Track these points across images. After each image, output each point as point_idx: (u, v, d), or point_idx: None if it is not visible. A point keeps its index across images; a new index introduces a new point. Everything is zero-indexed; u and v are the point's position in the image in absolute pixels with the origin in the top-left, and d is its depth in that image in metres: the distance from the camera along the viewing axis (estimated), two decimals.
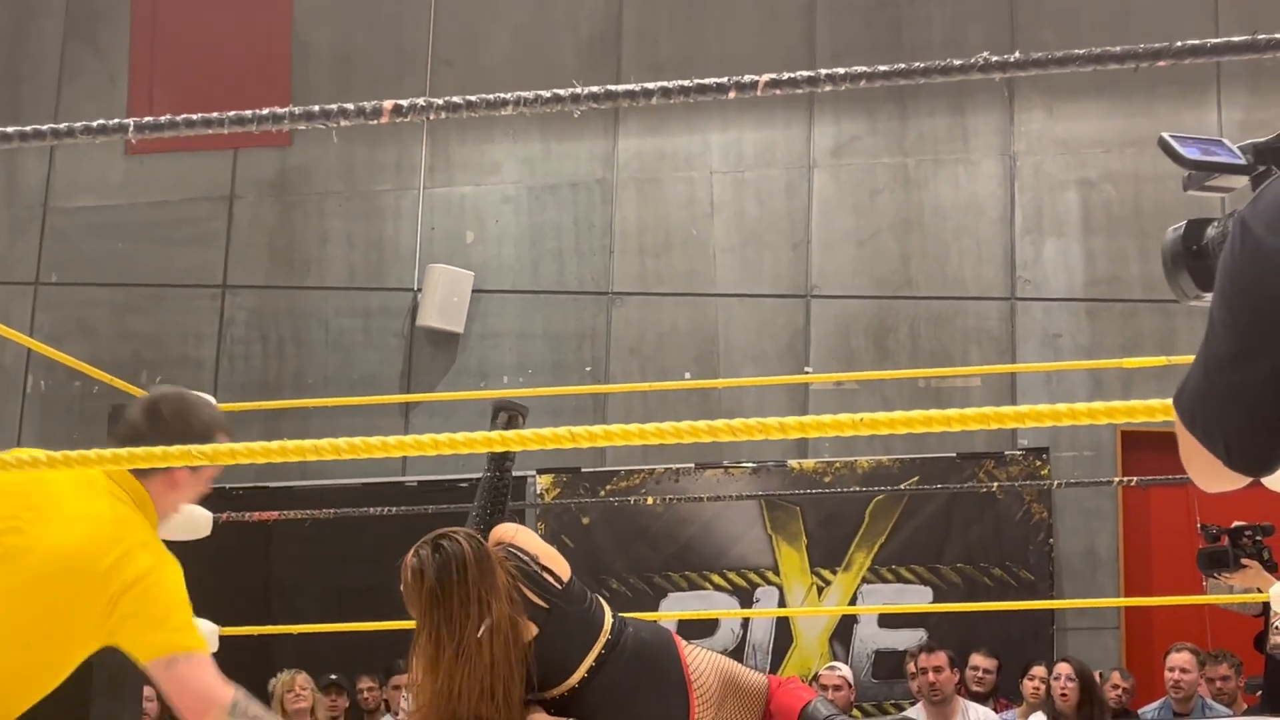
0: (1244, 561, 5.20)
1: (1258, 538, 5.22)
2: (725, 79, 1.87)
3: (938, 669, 6.34)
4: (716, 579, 7.64)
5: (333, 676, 7.04)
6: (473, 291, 8.10)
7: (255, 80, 8.53)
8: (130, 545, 2.51)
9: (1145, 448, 7.37)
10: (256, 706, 2.54)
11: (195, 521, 4.17)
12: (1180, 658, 6.20)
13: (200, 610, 3.88)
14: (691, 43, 8.32)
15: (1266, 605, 5.31)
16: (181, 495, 2.75)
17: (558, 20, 8.48)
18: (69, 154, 8.53)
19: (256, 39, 8.63)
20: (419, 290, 8.13)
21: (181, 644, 2.48)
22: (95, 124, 1.87)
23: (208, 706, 2.47)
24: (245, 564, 7.67)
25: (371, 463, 7.73)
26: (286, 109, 1.81)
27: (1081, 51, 1.74)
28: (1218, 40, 1.75)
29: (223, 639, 4.01)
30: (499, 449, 1.83)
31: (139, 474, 2.63)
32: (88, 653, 2.55)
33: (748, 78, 1.85)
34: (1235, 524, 5.35)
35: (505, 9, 8.54)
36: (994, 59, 1.77)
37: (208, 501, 4.59)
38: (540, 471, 7.81)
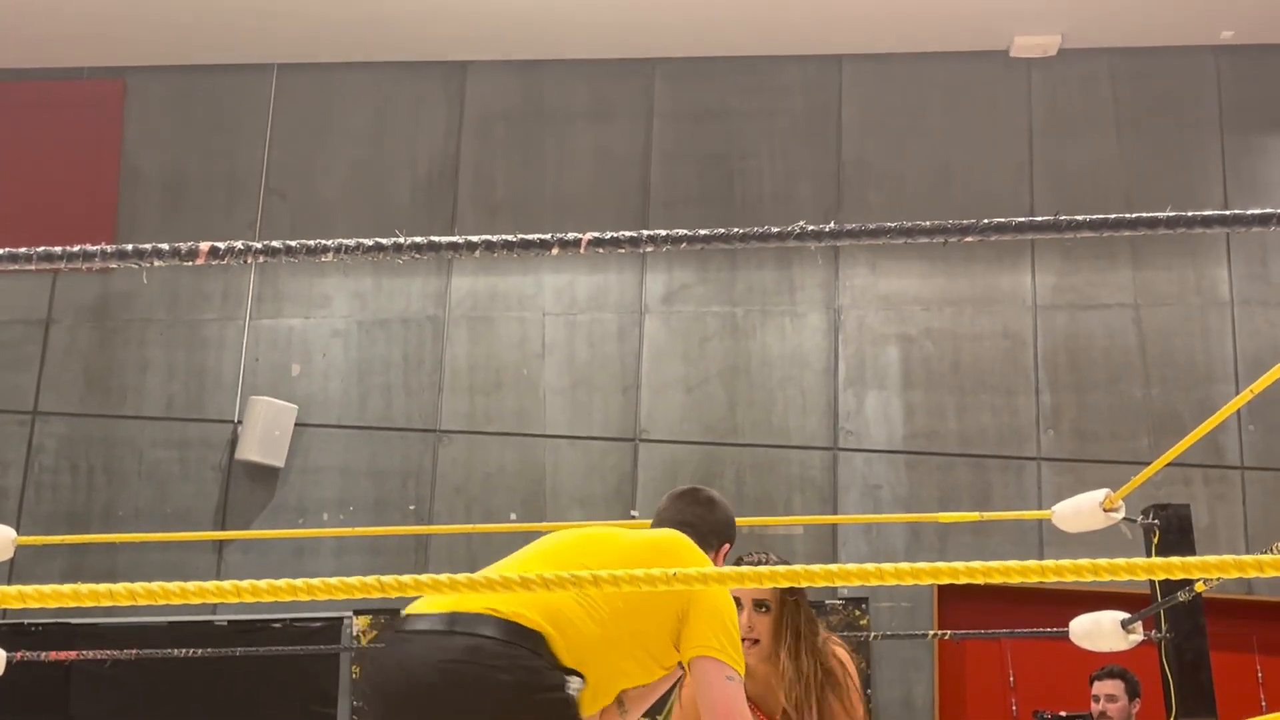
0: None
1: None
2: (549, 235, 1.89)
3: None
4: None
5: None
6: (296, 425, 7.96)
7: (81, 203, 8.37)
8: None
9: (961, 600, 7.51)
10: None
11: None
12: None
13: None
14: (528, 184, 8.42)
15: None
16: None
17: (395, 156, 8.51)
18: None
19: (84, 161, 8.48)
20: (239, 422, 7.96)
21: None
22: None
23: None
24: (42, 706, 7.30)
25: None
26: (98, 247, 1.77)
27: (893, 225, 1.80)
28: (1021, 220, 1.83)
29: None
30: (304, 597, 1.75)
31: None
32: None
33: (571, 235, 1.87)
34: (1063, 713, 5.49)
35: (342, 142, 8.55)
36: (810, 228, 1.82)
37: (1, 639, 4.38)
38: (358, 612, 7.63)
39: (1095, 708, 6.13)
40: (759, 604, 3.47)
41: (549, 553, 3.05)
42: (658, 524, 3.30)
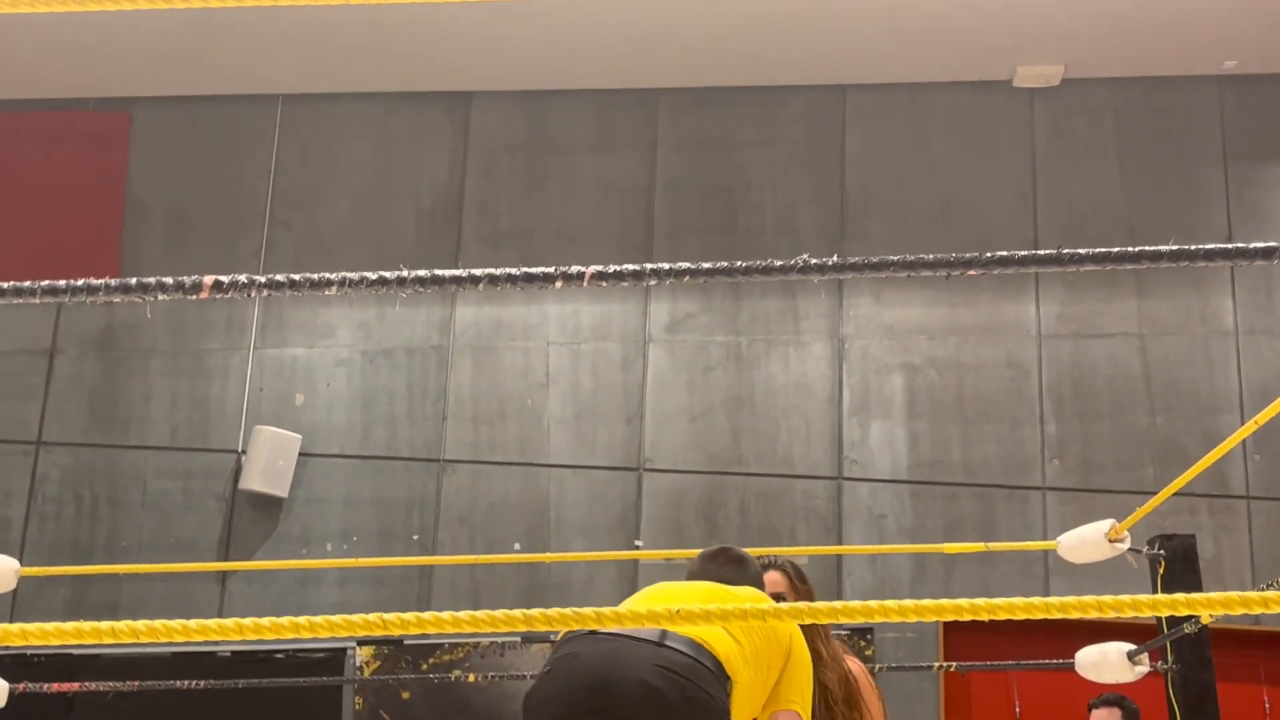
0: None
1: None
2: (553, 269, 1.89)
3: None
4: None
5: None
6: (300, 455, 7.95)
7: (85, 233, 8.39)
8: None
9: (967, 630, 7.48)
10: None
11: None
12: None
13: None
14: (532, 216, 8.44)
15: None
16: None
17: (399, 188, 8.53)
18: None
19: (89, 191, 8.51)
20: (243, 452, 7.95)
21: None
22: None
23: None
24: None
25: None
26: (102, 281, 1.77)
27: (896, 258, 1.80)
28: (1024, 253, 1.83)
29: None
30: (306, 635, 1.75)
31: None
32: None
33: (574, 269, 1.87)
34: None
35: (346, 174, 8.57)
36: (813, 261, 1.82)
37: (4, 669, 4.38)
38: (361, 643, 7.61)
39: None
40: (775, 598, 3.57)
41: (681, 600, 3.11)
42: (693, 580, 3.35)
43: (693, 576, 3.36)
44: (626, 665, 2.79)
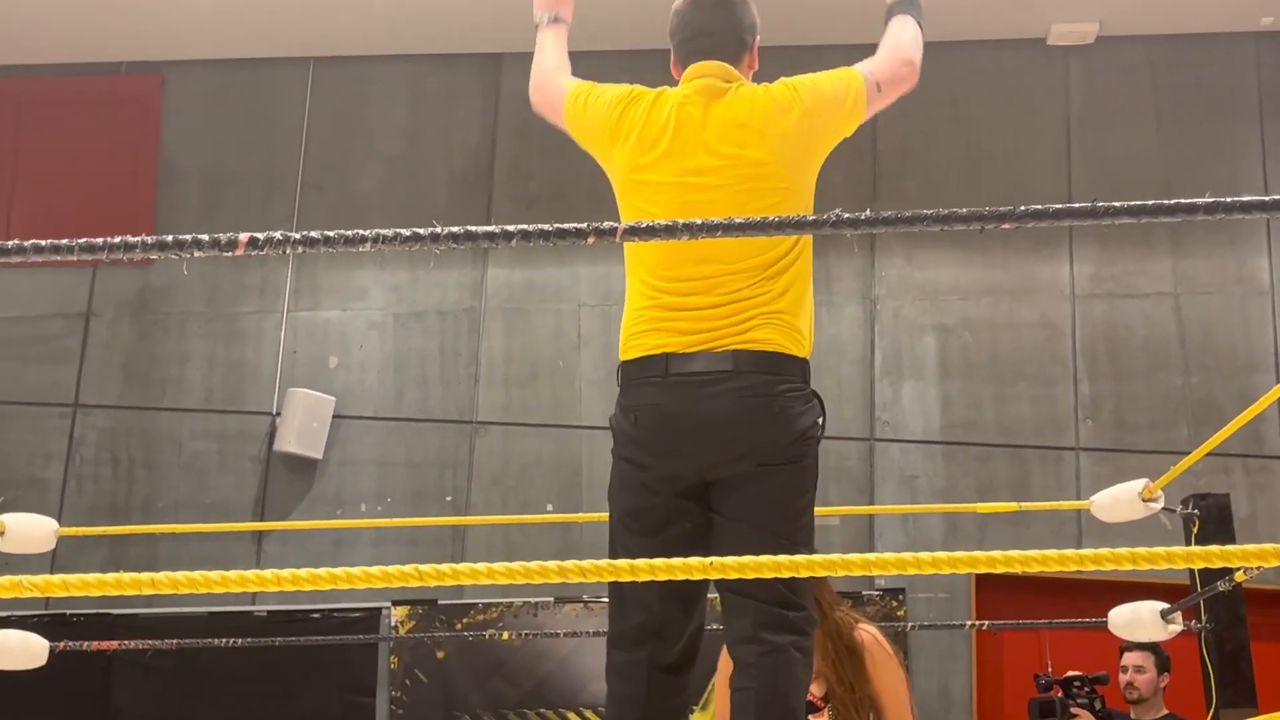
0: (1074, 711, 5.30)
1: (1089, 688, 5.34)
2: (585, 224, 1.90)
3: None
4: (573, 716, 7.53)
5: None
6: (334, 417, 8.00)
7: (120, 199, 8.43)
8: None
9: (998, 589, 7.49)
10: None
11: (29, 650, 4.02)
12: None
13: None
14: (563, 178, 8.42)
15: None
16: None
17: (431, 151, 8.53)
18: None
19: (123, 158, 8.54)
20: (278, 414, 8.00)
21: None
22: None
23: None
24: (83, 696, 7.38)
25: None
26: (139, 238, 1.79)
27: (929, 212, 1.79)
28: (1059, 206, 1.82)
29: None
30: (344, 586, 1.78)
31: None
32: None
33: (607, 224, 1.88)
34: (1068, 674, 5.46)
35: (378, 138, 8.58)
36: (846, 216, 1.81)
37: (44, 628, 4.43)
38: (395, 603, 7.67)
39: (1123, 678, 6.15)
40: None
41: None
42: (698, 54, 3.25)
43: (696, 38, 3.28)
44: (712, 412, 2.94)
